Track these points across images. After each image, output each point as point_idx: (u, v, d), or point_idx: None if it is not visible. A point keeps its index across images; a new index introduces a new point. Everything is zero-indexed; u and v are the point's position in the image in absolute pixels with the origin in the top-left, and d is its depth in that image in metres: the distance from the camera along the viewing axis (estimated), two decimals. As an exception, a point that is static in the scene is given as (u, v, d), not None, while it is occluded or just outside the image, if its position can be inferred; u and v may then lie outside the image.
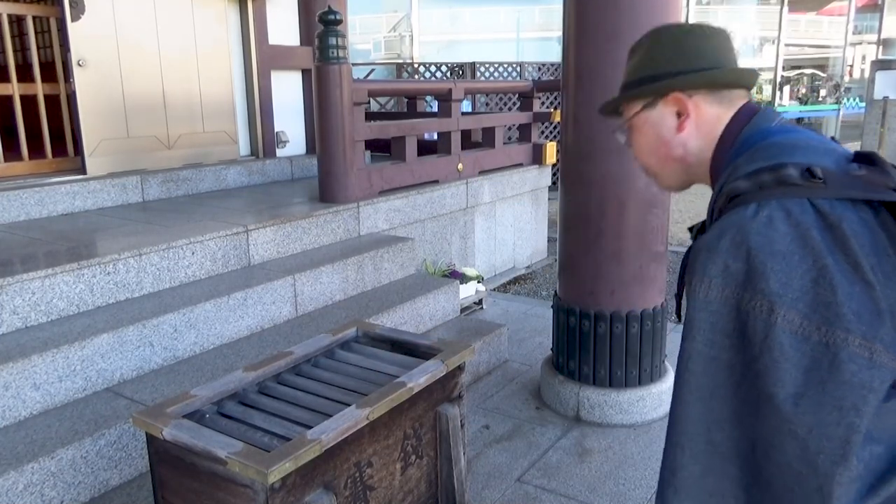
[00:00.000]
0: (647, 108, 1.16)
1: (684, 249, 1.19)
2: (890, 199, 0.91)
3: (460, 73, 9.51)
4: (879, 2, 17.61)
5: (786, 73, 16.22)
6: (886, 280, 0.88)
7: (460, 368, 2.15)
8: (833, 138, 1.09)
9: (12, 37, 4.16)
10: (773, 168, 0.95)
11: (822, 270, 0.87)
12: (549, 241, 6.22)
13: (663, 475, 1.00)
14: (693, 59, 1.11)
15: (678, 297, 1.15)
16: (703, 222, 1.14)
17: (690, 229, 1.19)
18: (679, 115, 1.13)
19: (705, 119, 1.12)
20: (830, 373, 0.85)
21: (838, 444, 0.83)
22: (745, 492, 0.93)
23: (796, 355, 0.86)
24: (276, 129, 5.29)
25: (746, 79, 1.14)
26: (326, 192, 3.98)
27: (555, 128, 9.71)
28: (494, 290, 5.21)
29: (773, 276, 0.88)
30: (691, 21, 14.01)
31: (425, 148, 4.89)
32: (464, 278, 4.27)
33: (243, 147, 5.14)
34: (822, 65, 18.10)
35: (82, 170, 4.12)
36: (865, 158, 0.97)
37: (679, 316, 1.12)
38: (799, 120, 17.18)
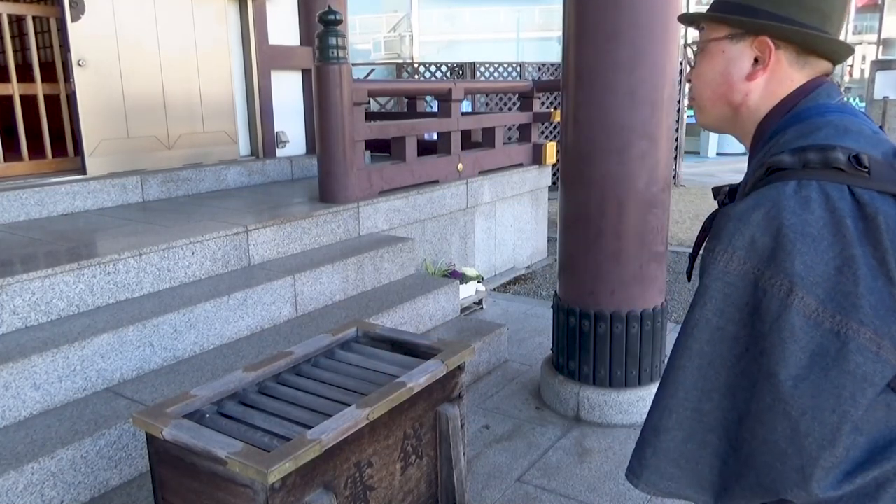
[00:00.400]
0: (731, 39, 1.07)
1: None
2: None
3: (460, 73, 9.52)
4: (879, 2, 17.61)
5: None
6: None
7: (460, 368, 2.15)
8: (881, 127, 1.07)
9: (12, 37, 4.16)
10: (821, 148, 0.92)
11: (849, 260, 0.86)
12: (549, 241, 6.22)
13: (644, 435, 1.01)
14: (802, 9, 1.02)
15: (692, 255, 1.13)
16: (731, 187, 1.11)
17: (716, 192, 1.14)
18: (757, 61, 1.06)
19: (779, 78, 1.06)
20: (836, 361, 0.85)
21: (829, 430, 0.84)
22: (723, 462, 0.95)
23: (805, 339, 0.87)
24: (276, 129, 5.29)
25: (841, 53, 1.06)
26: (326, 192, 3.98)
27: (555, 128, 9.71)
28: (494, 290, 5.21)
29: (798, 257, 0.87)
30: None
31: (425, 148, 4.89)
32: (464, 278, 4.27)
33: (243, 147, 5.15)
34: (822, 65, 18.11)
35: (82, 170, 4.12)
36: None
37: (689, 275, 1.10)
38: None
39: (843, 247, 0.87)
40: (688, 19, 1.16)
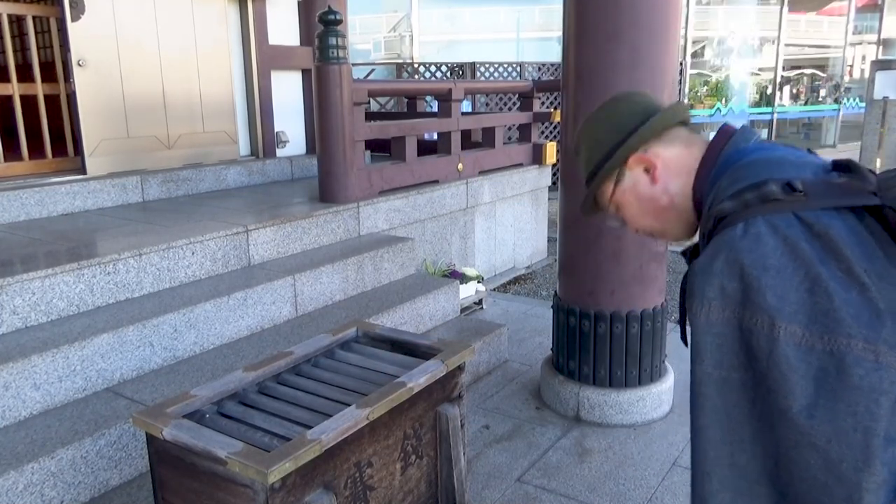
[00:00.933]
0: (618, 182, 1.20)
1: (684, 249, 1.20)
2: (871, 202, 0.93)
3: (460, 73, 9.51)
4: (879, 2, 17.60)
5: (786, 74, 16.22)
6: (881, 281, 0.88)
7: (460, 368, 2.15)
8: (809, 150, 1.11)
9: (12, 37, 4.16)
10: (754, 186, 0.97)
11: (816, 280, 0.88)
12: (549, 241, 6.22)
13: None
14: (627, 123, 1.18)
15: (681, 322, 1.16)
16: (696, 245, 1.16)
17: (683, 253, 1.20)
18: (647, 170, 1.17)
19: (671, 160, 1.16)
20: (839, 379, 0.85)
21: (859, 450, 0.83)
22: None
23: (803, 366, 0.87)
24: (276, 129, 5.29)
25: (680, 114, 1.20)
26: (326, 192, 3.98)
27: (555, 128, 9.71)
28: (494, 290, 5.21)
29: (769, 291, 0.89)
30: (689, 26, 14.01)
31: (425, 148, 4.89)
32: (464, 278, 4.27)
33: (243, 147, 5.15)
34: (822, 65, 18.09)
35: (82, 170, 4.12)
36: (843, 166, 0.99)
37: (685, 341, 1.13)
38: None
39: (807, 269, 0.88)
40: (588, 208, 1.30)
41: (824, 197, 0.93)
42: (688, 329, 1.06)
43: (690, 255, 1.16)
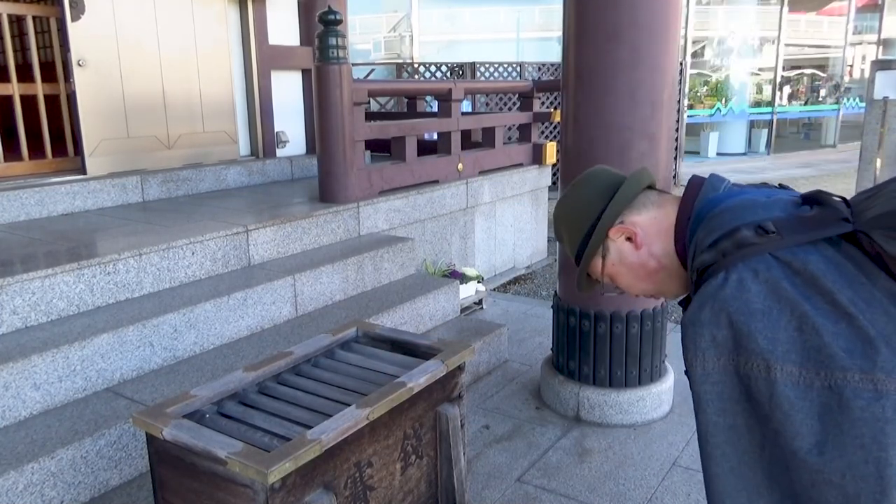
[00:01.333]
0: (605, 256, 1.24)
1: (680, 300, 1.23)
2: (844, 230, 0.93)
3: (460, 73, 9.51)
4: (879, 2, 17.60)
5: (786, 74, 16.22)
6: (868, 307, 0.89)
7: (460, 368, 2.15)
8: (781, 185, 1.14)
9: (12, 37, 4.16)
10: (727, 234, 0.99)
11: (803, 317, 0.88)
12: (549, 241, 6.22)
13: None
14: (597, 200, 1.23)
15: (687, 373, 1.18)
16: (684, 299, 1.19)
17: (680, 303, 1.22)
18: (629, 239, 1.20)
19: (648, 224, 1.20)
20: (842, 413, 0.85)
21: (874, 482, 0.83)
22: None
23: (805, 405, 0.87)
24: (276, 129, 5.29)
25: (644, 180, 1.24)
26: (326, 192, 3.98)
27: (555, 128, 9.71)
28: (494, 290, 5.21)
29: (759, 335, 0.90)
30: (689, 26, 14.01)
31: (425, 148, 4.89)
32: (464, 278, 4.27)
33: (243, 147, 5.15)
34: (822, 65, 18.09)
35: (82, 170, 4.12)
36: (812, 199, 1.01)
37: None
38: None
39: (792, 308, 0.89)
40: (584, 286, 1.34)
41: (797, 233, 0.95)
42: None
43: (685, 305, 1.18)
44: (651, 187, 1.26)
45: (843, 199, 1.01)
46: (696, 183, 1.17)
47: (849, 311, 0.88)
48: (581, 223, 1.25)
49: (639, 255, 1.20)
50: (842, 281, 0.90)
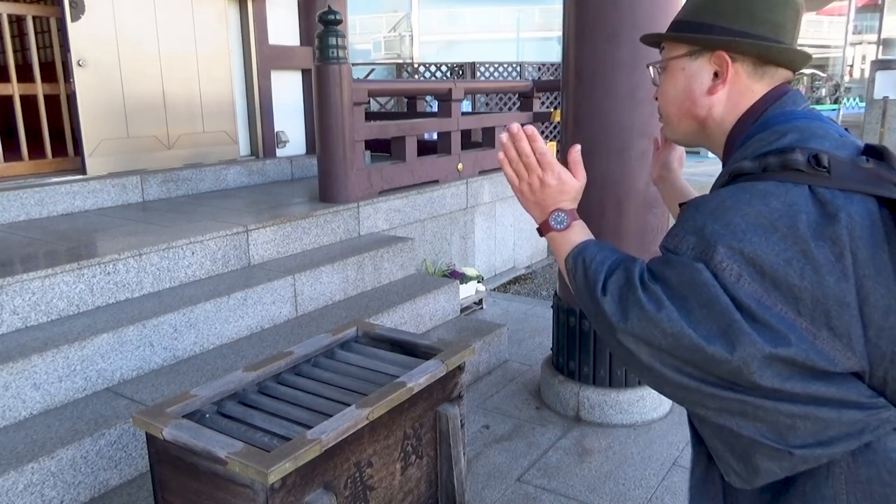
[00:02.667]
0: (690, 56, 1.10)
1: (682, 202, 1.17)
2: (889, 195, 0.91)
3: (460, 73, 9.52)
4: (879, 2, 17.61)
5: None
6: (877, 274, 0.88)
7: (460, 368, 2.15)
8: (846, 129, 1.07)
9: (12, 37, 4.16)
10: (780, 151, 0.94)
11: (799, 255, 0.88)
12: (549, 241, 6.21)
13: None
14: (755, 22, 1.05)
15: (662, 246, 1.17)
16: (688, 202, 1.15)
17: (681, 205, 1.18)
18: (716, 75, 1.09)
19: (739, 90, 1.08)
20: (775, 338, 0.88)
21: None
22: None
23: (753, 312, 0.89)
24: (276, 129, 5.29)
25: (798, 61, 1.09)
26: (326, 192, 3.98)
27: (555, 128, 9.71)
28: (494, 290, 5.21)
29: (748, 243, 0.90)
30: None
31: (425, 148, 4.90)
32: (464, 278, 4.27)
33: (243, 147, 5.15)
34: (822, 65, 18.11)
35: (82, 170, 4.12)
36: (875, 152, 0.97)
37: None
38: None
39: (794, 240, 0.89)
40: (649, 40, 1.20)
41: (845, 179, 0.91)
42: None
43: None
44: (794, 71, 1.11)
45: None
46: (781, 90, 1.08)
47: (846, 273, 0.87)
48: (724, 14, 1.06)
49: (703, 95, 1.10)
50: (868, 239, 0.88)
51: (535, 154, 1.14)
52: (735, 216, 0.91)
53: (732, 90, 1.08)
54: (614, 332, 0.97)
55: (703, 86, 1.10)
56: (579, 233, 1.13)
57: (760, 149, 0.98)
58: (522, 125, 1.16)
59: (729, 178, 0.99)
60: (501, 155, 1.17)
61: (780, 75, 1.09)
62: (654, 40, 1.19)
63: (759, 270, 0.89)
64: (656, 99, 1.19)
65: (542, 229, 1.16)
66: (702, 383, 0.92)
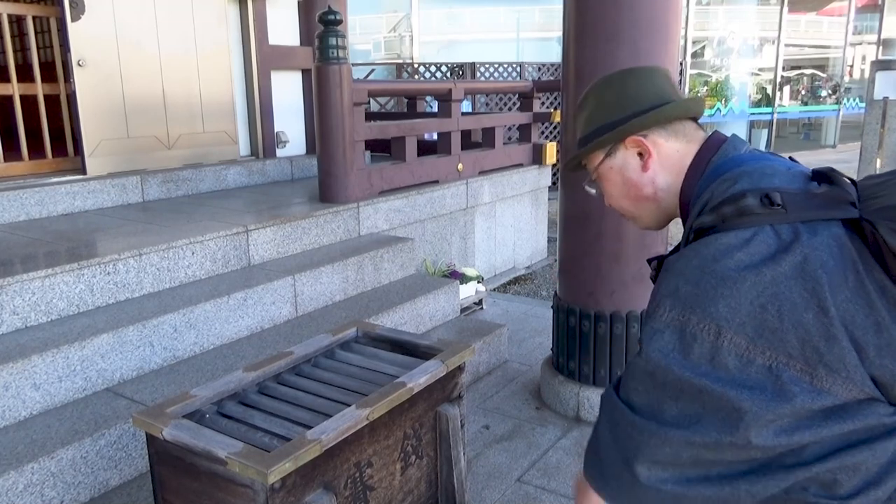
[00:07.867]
0: (609, 155, 1.18)
1: (650, 258, 1.21)
2: (849, 215, 0.92)
3: (460, 73, 9.51)
4: (879, 2, 17.60)
5: (786, 74, 16.22)
6: (855, 296, 0.88)
7: (460, 368, 2.15)
8: (791, 158, 1.10)
9: (12, 37, 4.16)
10: (732, 199, 0.97)
11: (772, 298, 0.88)
12: (549, 241, 6.22)
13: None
14: (639, 100, 1.14)
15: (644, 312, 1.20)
16: (662, 256, 1.16)
17: (649, 261, 1.20)
18: (641, 155, 1.15)
19: (667, 154, 1.14)
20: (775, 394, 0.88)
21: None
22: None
23: (741, 378, 0.89)
24: (276, 130, 5.29)
25: (694, 109, 1.16)
26: (326, 192, 3.98)
27: (555, 128, 9.71)
28: (494, 290, 5.21)
29: (721, 300, 0.90)
30: (689, 26, 14.01)
31: (425, 148, 4.89)
32: (464, 278, 4.27)
33: (243, 147, 5.15)
34: (822, 65, 18.09)
35: (82, 170, 4.12)
36: (823, 176, 0.99)
37: None
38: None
39: (766, 285, 0.89)
40: (572, 165, 1.28)
41: (803, 210, 0.93)
42: None
43: (657, 265, 1.16)
44: (695, 119, 1.18)
45: (852, 180, 0.98)
46: (718, 138, 1.13)
47: (824, 306, 0.87)
48: (611, 112, 1.16)
49: (641, 175, 1.16)
50: (836, 265, 0.89)
51: None
52: (703, 276, 0.93)
53: (661, 157, 1.14)
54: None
55: (635, 169, 1.16)
56: None
57: (714, 200, 1.00)
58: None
59: (693, 235, 1.02)
60: None
61: (690, 126, 1.16)
62: (574, 164, 1.27)
63: (739, 323, 0.89)
64: (610, 206, 1.26)
65: None
66: (735, 481, 0.93)
